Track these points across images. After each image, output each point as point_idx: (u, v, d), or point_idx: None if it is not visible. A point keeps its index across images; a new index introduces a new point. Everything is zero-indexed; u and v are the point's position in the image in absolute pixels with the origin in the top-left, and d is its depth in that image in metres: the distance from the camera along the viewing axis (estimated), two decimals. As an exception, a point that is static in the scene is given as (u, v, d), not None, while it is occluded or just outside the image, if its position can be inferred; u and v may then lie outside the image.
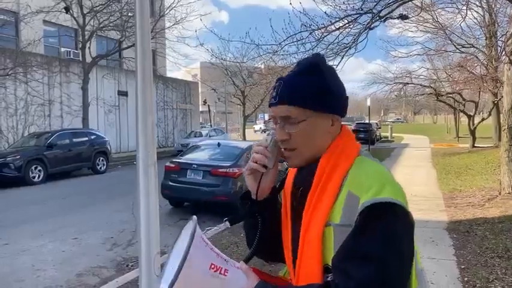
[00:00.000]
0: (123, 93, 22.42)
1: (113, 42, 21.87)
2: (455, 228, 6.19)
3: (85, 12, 18.18)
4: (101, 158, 15.31)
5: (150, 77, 2.69)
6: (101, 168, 15.20)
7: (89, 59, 18.64)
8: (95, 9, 18.16)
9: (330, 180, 1.03)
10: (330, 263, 0.98)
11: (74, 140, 14.51)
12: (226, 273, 1.03)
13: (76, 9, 18.08)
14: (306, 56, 1.20)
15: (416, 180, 11.52)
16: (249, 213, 1.19)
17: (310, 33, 7.62)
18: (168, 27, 22.22)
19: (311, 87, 1.07)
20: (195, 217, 1.05)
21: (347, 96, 1.16)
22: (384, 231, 0.93)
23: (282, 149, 1.14)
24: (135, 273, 4.75)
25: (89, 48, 18.77)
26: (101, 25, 18.79)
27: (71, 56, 20.50)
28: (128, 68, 22.89)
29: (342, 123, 1.16)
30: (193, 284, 0.99)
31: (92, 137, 15.44)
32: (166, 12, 21.30)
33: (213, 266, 1.02)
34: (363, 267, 0.91)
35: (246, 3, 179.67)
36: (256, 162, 1.14)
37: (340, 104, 1.12)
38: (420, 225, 6.12)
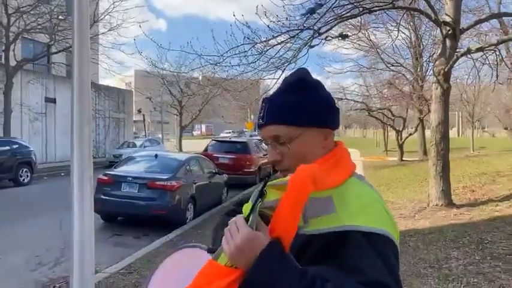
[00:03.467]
0: (51, 100, 21.11)
1: (41, 46, 20.57)
2: (389, 240, 6.39)
3: (10, 12, 16.95)
4: (25, 169, 14.16)
5: (88, 83, 2.47)
6: (24, 180, 14.05)
7: (13, 63, 17.36)
8: (21, 9, 16.97)
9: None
10: None
11: (-6, 149, 13.33)
12: None
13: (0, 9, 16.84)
14: (291, 72, 1.15)
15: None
16: None
17: (253, 46, 7.64)
18: (103, 33, 21.35)
19: (299, 103, 1.03)
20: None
21: (337, 108, 1.13)
22: (381, 258, 0.89)
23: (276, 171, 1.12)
24: (62, 296, 4.37)
25: (14, 51, 17.50)
26: (28, 27, 17.60)
27: (-8, 59, 19.01)
28: (57, 74, 21.62)
29: None
30: None
31: (15, 146, 14.20)
32: (101, 18, 20.45)
33: None
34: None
35: (185, 13, 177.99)
36: None
37: (332, 117, 1.09)
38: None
